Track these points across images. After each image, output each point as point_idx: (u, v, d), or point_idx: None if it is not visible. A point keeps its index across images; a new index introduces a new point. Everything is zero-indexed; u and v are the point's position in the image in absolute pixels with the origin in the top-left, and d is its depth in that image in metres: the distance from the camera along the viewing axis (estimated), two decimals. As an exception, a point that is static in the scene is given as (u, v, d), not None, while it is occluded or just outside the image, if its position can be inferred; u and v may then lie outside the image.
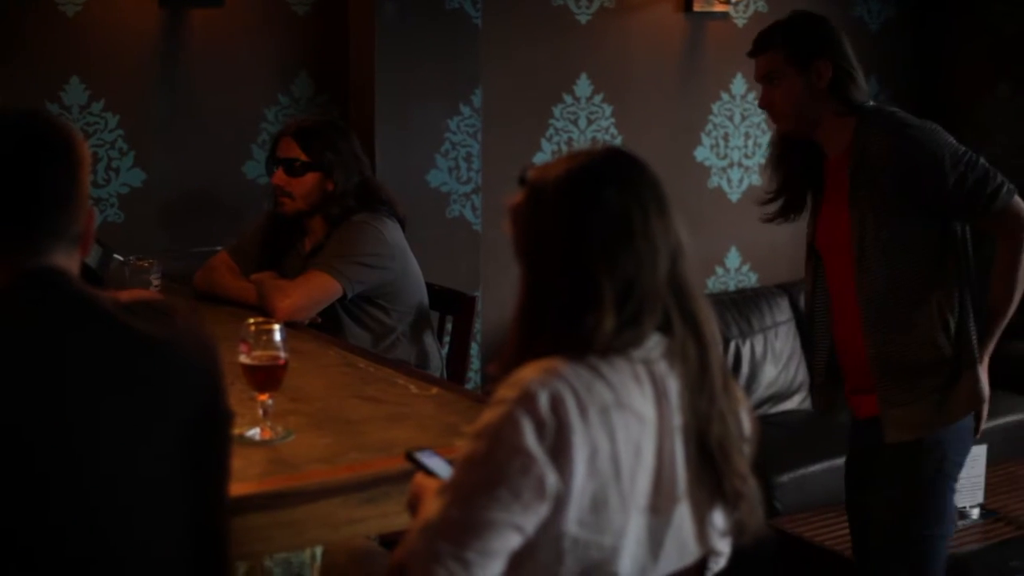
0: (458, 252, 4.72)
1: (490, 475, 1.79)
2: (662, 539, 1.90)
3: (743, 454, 1.96)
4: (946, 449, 3.17)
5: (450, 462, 2.04)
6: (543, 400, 1.79)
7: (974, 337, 3.19)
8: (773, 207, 3.51)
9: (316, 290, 3.70)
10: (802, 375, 5.36)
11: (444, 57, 4.65)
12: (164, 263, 3.80)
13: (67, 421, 1.73)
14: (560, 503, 1.80)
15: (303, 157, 3.84)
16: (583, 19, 5.12)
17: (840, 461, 4.71)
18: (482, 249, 4.79)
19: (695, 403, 1.89)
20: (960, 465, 3.23)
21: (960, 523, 3.96)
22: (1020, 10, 5.74)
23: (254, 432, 2.54)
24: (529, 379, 1.82)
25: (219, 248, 4.13)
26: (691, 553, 1.95)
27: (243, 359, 2.52)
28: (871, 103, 3.29)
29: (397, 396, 2.88)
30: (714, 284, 5.57)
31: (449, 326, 4.15)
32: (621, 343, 1.85)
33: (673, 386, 1.89)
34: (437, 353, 3.94)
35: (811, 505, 4.37)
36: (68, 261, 1.85)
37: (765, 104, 3.33)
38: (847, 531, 3.88)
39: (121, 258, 3.67)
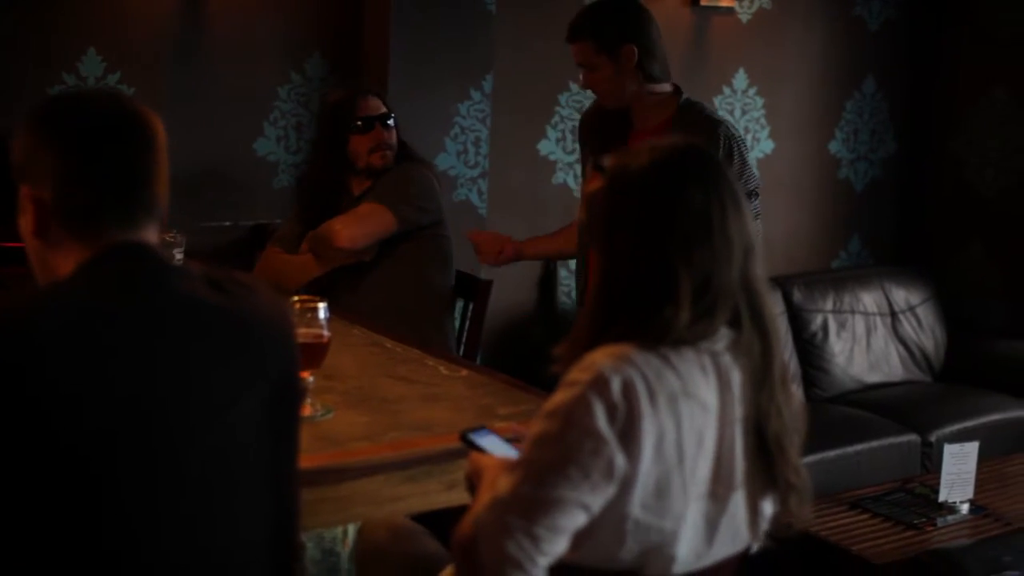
0: (463, 235, 4.76)
1: (562, 454, 1.85)
2: (717, 525, 1.95)
3: (797, 447, 2.01)
4: None
5: (508, 440, 2.11)
6: (615, 385, 1.84)
7: None
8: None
9: (372, 219, 3.80)
10: (794, 367, 5.43)
11: (457, 42, 4.69)
12: (184, 237, 3.83)
13: (163, 393, 1.76)
14: (626, 486, 1.86)
15: (389, 111, 3.97)
16: (592, 9, 5.16)
17: (832, 453, 4.85)
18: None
19: (756, 397, 1.95)
20: None
21: (950, 518, 4.02)
22: (1017, 15, 5.82)
23: (295, 408, 2.58)
24: (601, 363, 1.87)
25: (228, 223, 4.16)
26: (742, 540, 2.02)
27: (288, 336, 2.55)
28: (685, 95, 3.67)
29: (428, 376, 2.93)
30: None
31: (458, 309, 4.19)
32: (693, 335, 1.91)
33: (736, 378, 1.94)
34: (453, 334, 3.99)
35: (804, 496, 4.43)
36: (154, 237, 1.88)
37: (586, 86, 3.70)
38: (839, 521, 3.96)
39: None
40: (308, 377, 2.59)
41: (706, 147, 2.05)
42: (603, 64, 3.57)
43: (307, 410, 2.58)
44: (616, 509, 1.87)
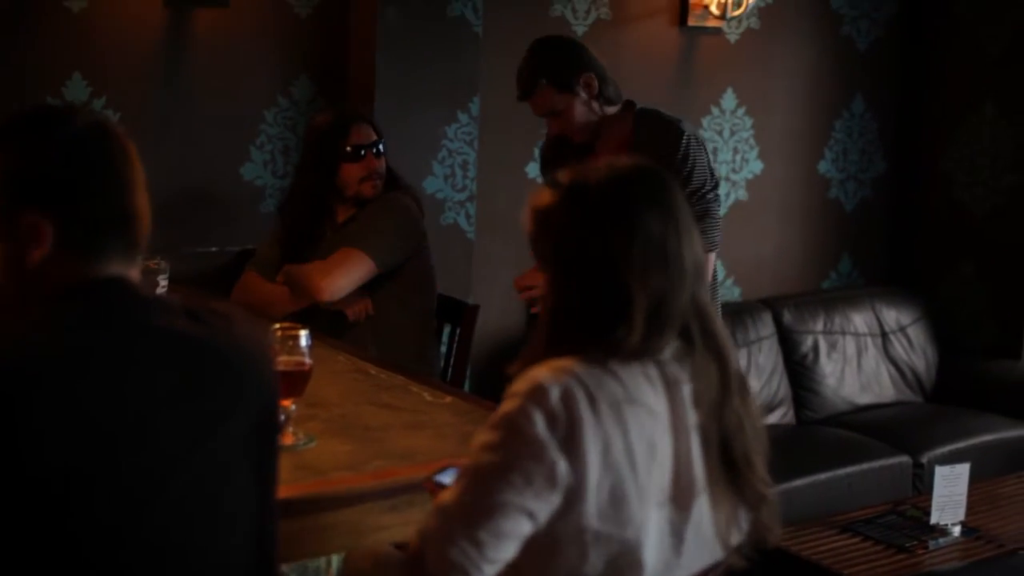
0: (451, 259, 4.75)
1: (503, 461, 1.88)
2: (683, 533, 1.96)
3: (764, 459, 2.05)
4: None
5: None
6: (554, 393, 1.88)
7: None
8: None
9: (352, 267, 3.77)
10: (785, 389, 5.42)
11: (444, 64, 4.68)
12: (168, 264, 3.80)
13: (140, 427, 1.74)
14: (577, 496, 1.87)
15: (379, 138, 3.96)
16: (580, 30, 5.16)
17: (823, 476, 4.83)
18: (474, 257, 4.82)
19: (720, 415, 1.97)
20: None
21: (941, 541, 4.00)
22: (1005, 31, 5.82)
23: (277, 437, 2.56)
24: (541, 376, 1.90)
25: (214, 249, 4.14)
26: (713, 551, 2.01)
27: (269, 364, 2.54)
28: (634, 102, 3.79)
29: (412, 403, 2.91)
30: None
31: (445, 334, 4.17)
32: (642, 353, 1.93)
33: (687, 387, 1.96)
34: (439, 359, 3.97)
35: (794, 520, 4.41)
36: (134, 269, 1.87)
37: (556, 131, 3.75)
38: (830, 545, 3.95)
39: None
40: (290, 405, 2.57)
41: (662, 170, 2.07)
42: (567, 102, 3.65)
43: (289, 439, 2.56)
44: (573, 523, 1.88)
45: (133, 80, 4.40)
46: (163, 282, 3.55)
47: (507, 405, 1.91)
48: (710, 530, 1.99)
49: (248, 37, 4.58)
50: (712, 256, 3.69)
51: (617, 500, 1.88)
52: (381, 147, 3.95)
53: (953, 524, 4.11)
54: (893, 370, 5.74)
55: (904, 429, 5.29)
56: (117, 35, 4.35)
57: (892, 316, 5.85)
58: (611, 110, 3.72)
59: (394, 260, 3.83)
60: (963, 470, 4.08)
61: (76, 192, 1.82)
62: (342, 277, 3.73)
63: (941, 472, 4.02)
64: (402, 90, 4.62)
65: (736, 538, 2.03)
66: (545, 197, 2.02)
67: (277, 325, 2.61)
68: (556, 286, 2.00)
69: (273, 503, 1.96)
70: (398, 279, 3.87)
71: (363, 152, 3.91)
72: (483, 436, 1.93)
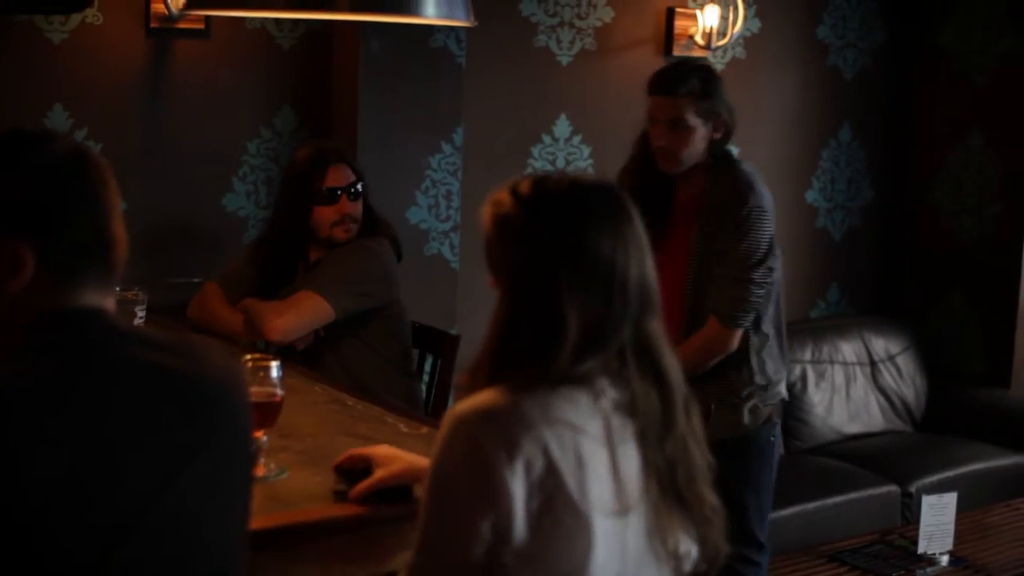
0: (435, 290, 4.74)
1: (437, 517, 1.90)
2: (626, 542, 1.94)
3: (709, 483, 2.03)
4: None
5: None
6: (467, 440, 1.88)
7: None
8: None
9: (307, 311, 3.69)
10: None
11: (427, 95, 4.67)
12: (146, 295, 3.79)
13: (111, 461, 1.72)
14: (506, 526, 1.86)
15: (358, 179, 3.88)
16: (564, 60, 5.16)
17: (811, 505, 4.81)
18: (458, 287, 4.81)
19: (663, 445, 1.96)
20: None
21: (929, 570, 4.00)
22: (992, 61, 5.84)
23: (248, 469, 2.54)
24: (457, 412, 1.91)
25: (197, 280, 4.12)
26: (664, 566, 2.00)
27: (240, 395, 2.52)
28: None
29: (388, 435, 2.88)
30: (685, 326, 5.59)
31: (427, 364, 4.15)
32: (572, 377, 1.92)
33: (620, 408, 1.94)
34: (418, 391, 3.94)
35: (782, 549, 4.39)
36: (108, 300, 1.85)
37: (662, 144, 3.56)
38: (818, 574, 3.93)
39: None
40: (262, 437, 2.55)
41: (622, 191, 2.04)
42: (694, 125, 3.53)
43: (260, 470, 2.54)
44: (504, 551, 1.88)
45: (115, 111, 4.39)
46: (141, 313, 3.54)
47: (433, 456, 1.93)
48: (657, 543, 1.98)
49: (231, 68, 4.58)
50: (735, 333, 3.63)
51: (551, 517, 1.87)
52: (359, 188, 3.88)
53: (941, 553, 4.11)
54: (882, 399, 5.73)
55: (892, 458, 5.28)
56: (98, 66, 4.34)
57: (881, 345, 5.84)
58: (704, 160, 3.62)
59: (357, 307, 3.76)
60: (950, 499, 4.07)
61: (55, 219, 1.79)
62: (294, 319, 3.66)
63: (928, 501, 4.01)
64: (385, 120, 4.61)
65: (686, 555, 2.02)
66: (504, 204, 2.00)
67: (248, 356, 2.59)
68: (503, 296, 1.99)
69: (245, 533, 1.94)
70: (368, 325, 3.82)
71: (338, 194, 3.83)
72: (422, 494, 1.96)
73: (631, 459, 1.94)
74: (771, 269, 3.65)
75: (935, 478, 5.13)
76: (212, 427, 1.85)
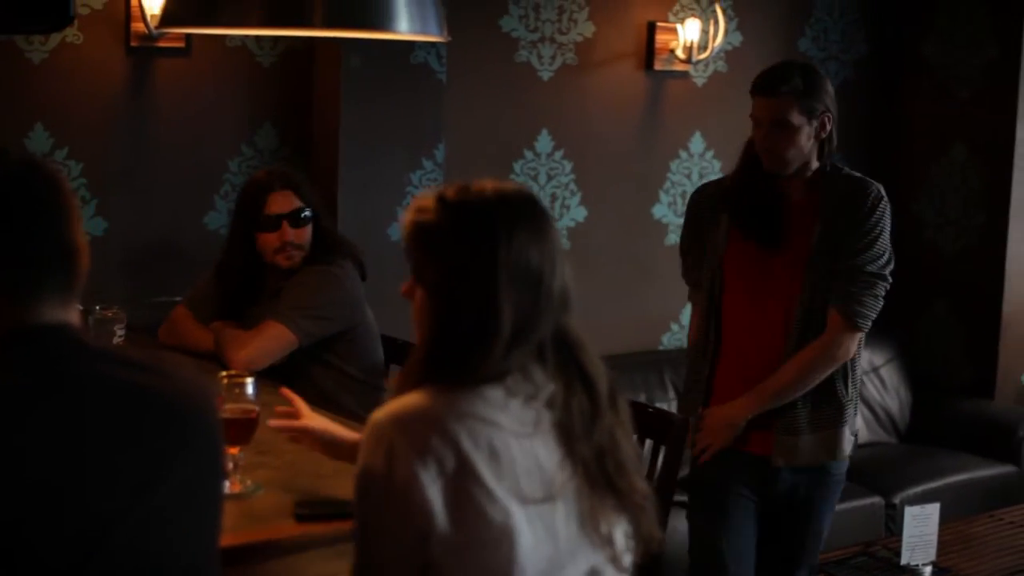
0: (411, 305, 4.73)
1: (364, 522, 1.98)
2: (554, 527, 1.97)
3: (640, 472, 2.10)
4: None
5: None
6: (382, 448, 1.94)
7: None
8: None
9: (271, 341, 3.71)
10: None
11: (408, 111, 4.69)
12: (124, 313, 3.79)
13: (81, 479, 1.72)
14: (426, 526, 1.91)
15: (304, 206, 3.85)
16: (545, 76, 5.17)
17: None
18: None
19: (589, 435, 2.01)
20: None
21: (913, 582, 4.00)
22: (975, 73, 5.86)
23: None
24: (375, 418, 1.98)
25: (178, 299, 4.13)
26: (598, 551, 2.03)
27: (215, 412, 2.52)
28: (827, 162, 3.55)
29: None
30: (669, 341, 5.60)
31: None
32: (494, 376, 1.98)
33: (526, 389, 1.99)
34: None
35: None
36: (71, 313, 1.85)
37: (767, 144, 3.48)
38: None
39: (82, 308, 3.65)
40: (237, 453, 2.55)
41: (538, 199, 2.09)
42: (800, 125, 3.43)
43: (236, 487, 2.54)
44: (433, 544, 1.92)
45: (96, 130, 4.40)
46: (120, 331, 3.54)
47: (358, 461, 1.98)
48: (589, 528, 2.02)
49: (211, 86, 4.58)
50: (858, 337, 3.55)
51: (471, 509, 1.92)
52: (307, 214, 3.85)
53: (924, 564, 4.10)
54: (866, 411, 5.73)
55: (877, 470, 5.28)
56: (79, 86, 4.35)
57: (865, 357, 5.80)
58: (814, 164, 3.52)
59: (321, 332, 3.77)
60: (933, 510, 4.06)
61: (7, 232, 1.80)
62: (257, 350, 3.67)
63: (911, 512, 4.01)
64: (366, 137, 4.62)
65: (620, 542, 2.06)
66: (428, 212, 2.03)
67: (224, 373, 2.60)
68: (430, 300, 2.03)
69: (216, 550, 1.94)
70: (333, 348, 3.82)
71: (279, 222, 3.81)
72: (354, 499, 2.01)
73: (550, 449, 1.99)
74: (890, 274, 3.54)
75: (919, 489, 5.14)
76: (183, 442, 1.85)
